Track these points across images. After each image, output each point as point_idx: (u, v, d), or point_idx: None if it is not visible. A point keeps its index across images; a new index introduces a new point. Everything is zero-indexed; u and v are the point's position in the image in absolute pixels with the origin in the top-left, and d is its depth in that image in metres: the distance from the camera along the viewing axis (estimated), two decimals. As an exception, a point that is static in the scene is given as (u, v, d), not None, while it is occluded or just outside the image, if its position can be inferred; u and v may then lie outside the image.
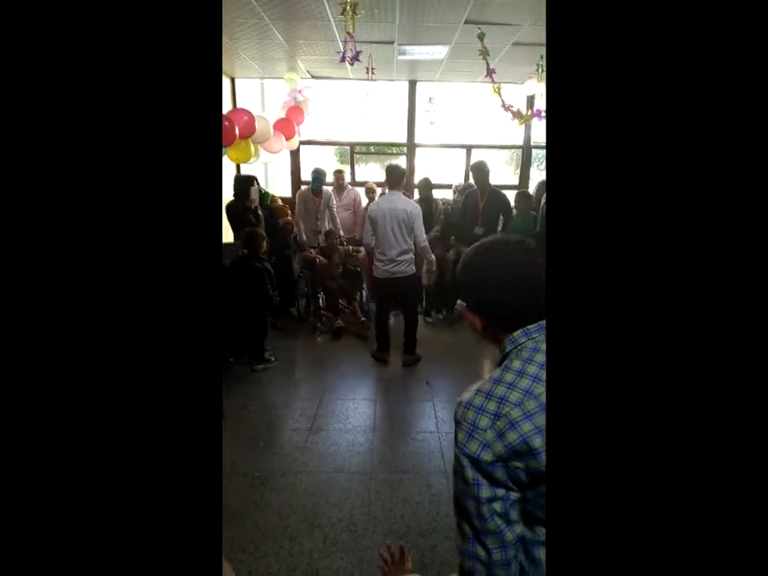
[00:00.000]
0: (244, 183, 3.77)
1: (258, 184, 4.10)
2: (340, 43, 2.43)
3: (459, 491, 0.71)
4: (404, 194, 3.26)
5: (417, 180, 5.23)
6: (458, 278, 0.85)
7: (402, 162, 5.44)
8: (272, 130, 3.91)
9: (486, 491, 0.67)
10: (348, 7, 2.17)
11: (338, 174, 4.64)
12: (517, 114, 3.44)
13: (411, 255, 3.25)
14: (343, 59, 2.38)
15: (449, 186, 5.03)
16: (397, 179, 3.14)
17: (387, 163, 3.32)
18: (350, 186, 4.74)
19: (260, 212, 3.91)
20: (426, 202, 4.45)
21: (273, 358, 3.42)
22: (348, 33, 2.26)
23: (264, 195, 4.32)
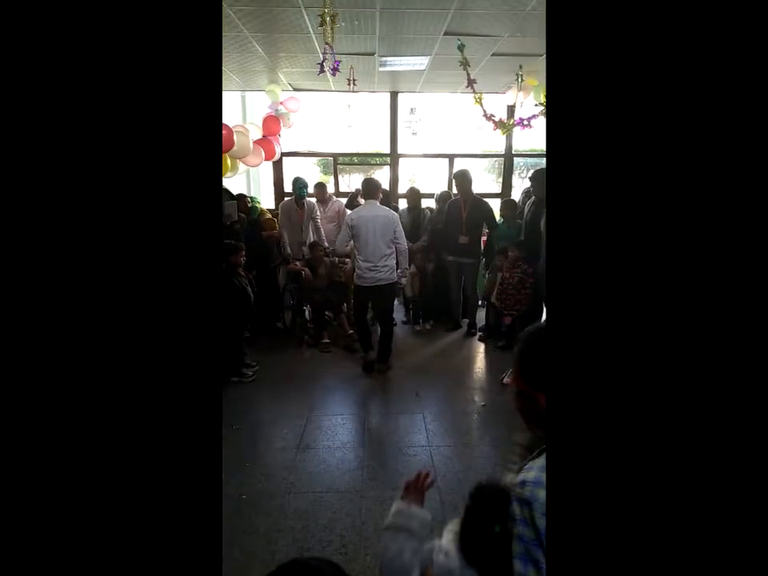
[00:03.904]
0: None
1: (245, 198, 4.07)
2: (321, 55, 2.41)
3: None
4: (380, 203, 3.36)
5: (401, 189, 5.24)
6: (517, 358, 0.80)
7: (385, 172, 5.45)
8: (252, 145, 3.86)
9: None
10: (327, 18, 2.16)
11: (320, 187, 4.57)
12: (499, 124, 3.46)
13: (393, 263, 3.33)
14: (322, 70, 2.36)
15: (432, 196, 5.04)
16: (373, 190, 3.31)
17: (364, 177, 3.45)
18: (334, 198, 4.71)
19: (236, 226, 3.89)
20: (414, 211, 4.46)
21: (250, 372, 3.36)
22: (327, 43, 2.25)
23: (252, 209, 4.26)
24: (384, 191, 3.84)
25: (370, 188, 3.31)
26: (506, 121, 3.51)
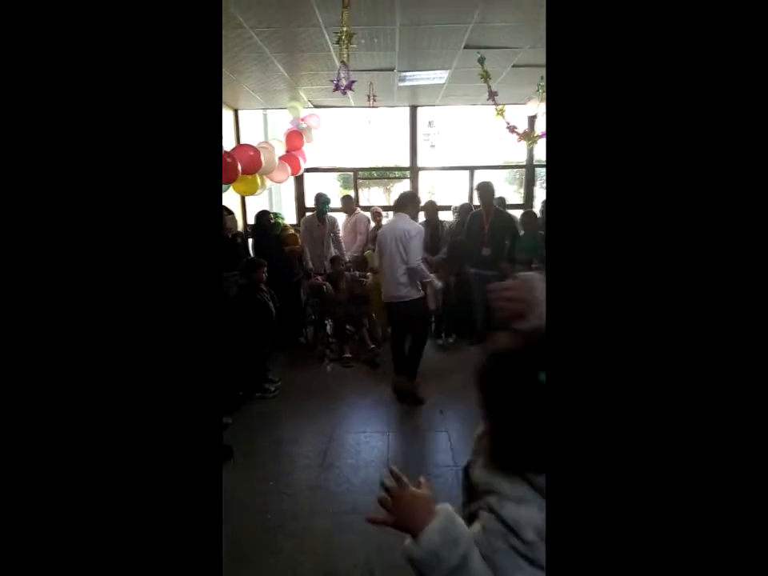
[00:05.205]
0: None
1: (268, 214, 4.18)
2: (337, 73, 2.43)
3: None
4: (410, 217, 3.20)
5: (421, 203, 5.23)
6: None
7: (405, 185, 5.45)
8: (277, 161, 3.91)
9: None
10: (343, 37, 2.17)
11: (347, 200, 4.71)
12: (524, 136, 3.42)
13: (412, 279, 3.09)
14: (337, 88, 2.37)
15: (449, 208, 5.01)
16: (405, 203, 3.15)
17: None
18: (359, 210, 4.78)
19: (239, 240, 4.06)
20: (432, 224, 4.43)
21: (273, 388, 3.36)
22: (342, 61, 2.27)
23: (275, 225, 4.32)
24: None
25: (400, 201, 3.19)
26: (530, 132, 3.46)
